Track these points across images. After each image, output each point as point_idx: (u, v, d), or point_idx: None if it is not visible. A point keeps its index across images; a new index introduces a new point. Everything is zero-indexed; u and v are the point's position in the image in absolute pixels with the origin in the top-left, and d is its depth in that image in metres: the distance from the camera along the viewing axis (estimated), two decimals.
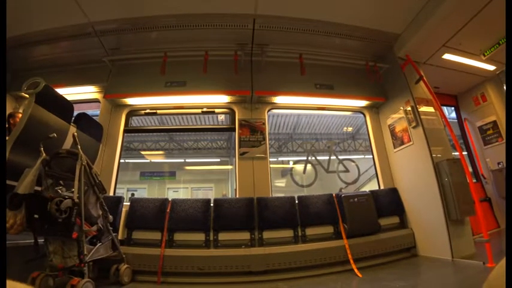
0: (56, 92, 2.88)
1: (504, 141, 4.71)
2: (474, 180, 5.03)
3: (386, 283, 2.71)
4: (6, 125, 3.45)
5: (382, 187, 4.35)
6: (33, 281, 2.13)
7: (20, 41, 4.05)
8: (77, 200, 2.25)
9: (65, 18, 3.81)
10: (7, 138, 2.75)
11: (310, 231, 3.59)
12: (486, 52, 4.31)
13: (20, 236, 2.17)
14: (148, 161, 10.58)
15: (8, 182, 2.28)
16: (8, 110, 4.08)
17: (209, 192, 11.26)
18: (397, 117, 4.30)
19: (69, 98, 3.18)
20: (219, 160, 10.55)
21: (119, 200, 3.56)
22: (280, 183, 8.72)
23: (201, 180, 11.58)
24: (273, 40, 4.32)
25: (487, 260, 2.90)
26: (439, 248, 3.42)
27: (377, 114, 4.82)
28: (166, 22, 3.99)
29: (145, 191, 10.83)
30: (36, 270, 2.20)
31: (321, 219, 3.67)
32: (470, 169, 5.11)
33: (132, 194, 9.91)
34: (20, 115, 3.16)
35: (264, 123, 4.34)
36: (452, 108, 5.83)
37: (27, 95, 2.68)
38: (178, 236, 3.43)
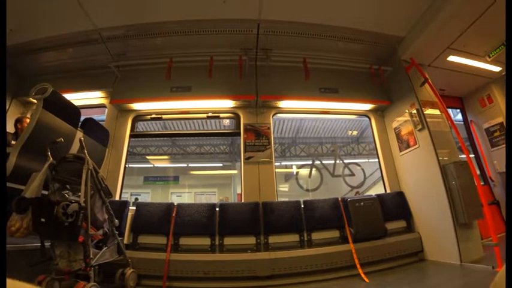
0: (63, 98, 2.92)
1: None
2: (482, 183, 4.96)
3: None
4: (14, 130, 3.50)
5: (388, 191, 4.31)
6: (39, 284, 2.12)
7: (28, 48, 4.12)
8: (83, 204, 2.25)
9: (72, 25, 3.88)
10: (13, 142, 2.79)
11: (316, 236, 3.56)
12: (491, 53, 4.29)
13: (26, 239, 2.18)
14: (152, 165, 10.61)
15: (15, 186, 2.30)
16: (16, 115, 4.14)
17: (212, 197, 11.23)
18: (402, 120, 4.28)
19: (76, 103, 3.22)
20: (222, 165, 10.55)
21: (124, 204, 3.57)
22: (285, 187, 8.68)
23: (204, 185, 11.55)
24: (277, 45, 4.35)
25: (496, 264, 2.85)
26: (447, 252, 3.36)
27: (382, 118, 4.79)
28: (171, 28, 4.04)
29: (148, 196, 10.83)
30: (43, 273, 2.19)
31: (327, 224, 3.64)
32: (478, 172, 5.04)
33: (136, 199, 9.91)
34: (28, 120, 3.20)
35: (269, 128, 4.34)
36: (458, 110, 5.78)
37: (35, 101, 2.72)
38: (184, 241, 3.43)
